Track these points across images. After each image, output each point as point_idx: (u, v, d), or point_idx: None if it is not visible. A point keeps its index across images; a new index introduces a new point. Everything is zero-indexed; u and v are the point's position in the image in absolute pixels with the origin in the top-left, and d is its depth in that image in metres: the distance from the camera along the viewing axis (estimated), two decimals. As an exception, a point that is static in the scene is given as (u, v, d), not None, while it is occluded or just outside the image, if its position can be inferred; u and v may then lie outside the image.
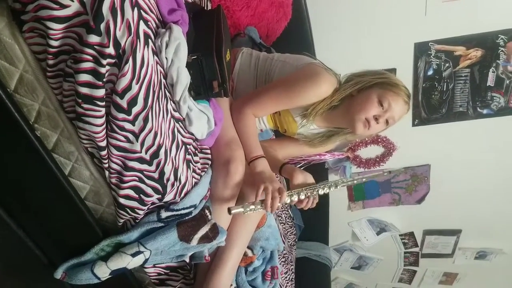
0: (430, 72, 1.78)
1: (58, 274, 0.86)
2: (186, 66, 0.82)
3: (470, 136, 1.91)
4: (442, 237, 2.30)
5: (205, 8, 1.22)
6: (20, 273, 0.95)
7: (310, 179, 1.13)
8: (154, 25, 0.77)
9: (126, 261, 0.86)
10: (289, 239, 1.92)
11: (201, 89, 0.90)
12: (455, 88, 1.82)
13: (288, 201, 1.05)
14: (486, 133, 1.90)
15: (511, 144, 1.92)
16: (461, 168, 2.01)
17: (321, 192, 1.10)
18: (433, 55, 1.74)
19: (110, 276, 0.86)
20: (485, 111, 1.86)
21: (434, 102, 1.85)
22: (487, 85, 1.80)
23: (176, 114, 0.87)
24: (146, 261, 0.90)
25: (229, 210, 0.95)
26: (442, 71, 1.78)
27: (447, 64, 1.76)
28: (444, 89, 1.82)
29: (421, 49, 1.73)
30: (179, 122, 0.90)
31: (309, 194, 1.08)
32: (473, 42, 1.71)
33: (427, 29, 1.68)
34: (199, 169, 1.02)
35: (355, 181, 1.25)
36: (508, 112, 1.85)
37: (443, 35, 1.70)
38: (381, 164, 2.02)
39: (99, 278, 0.85)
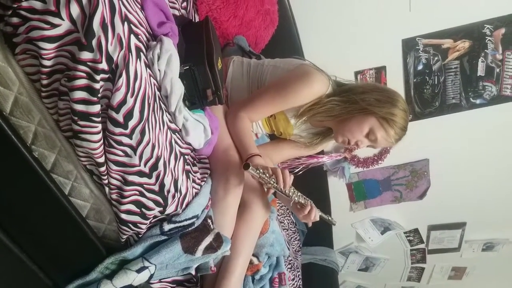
0: (420, 67, 1.81)
1: (64, 296, 0.84)
2: (179, 77, 0.83)
3: (466, 127, 1.93)
4: (447, 231, 2.29)
5: (193, 20, 1.24)
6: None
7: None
8: (145, 38, 0.78)
9: (132, 278, 0.85)
10: (294, 245, 1.91)
11: (195, 99, 0.91)
12: (446, 80, 1.84)
13: (290, 192, 1.07)
14: (482, 123, 1.91)
15: (507, 131, 1.94)
16: (460, 159, 2.02)
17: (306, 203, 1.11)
18: (421, 49, 1.76)
19: (116, 293, 0.85)
20: (478, 101, 1.88)
21: (426, 96, 1.87)
22: (478, 75, 1.82)
23: (173, 125, 0.88)
24: (151, 276, 0.89)
25: (247, 165, 0.96)
26: (431, 65, 1.80)
27: (436, 58, 1.79)
28: (436, 83, 1.84)
29: (408, 45, 1.76)
30: (176, 133, 0.90)
31: (300, 200, 1.09)
32: (459, 34, 1.73)
33: (413, 24, 1.71)
34: (198, 179, 1.02)
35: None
36: (501, 100, 1.87)
37: (429, 30, 1.72)
38: (379, 162, 2.03)
39: (105, 297, 0.84)
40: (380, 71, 1.80)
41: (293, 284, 1.63)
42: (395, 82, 1.80)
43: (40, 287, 0.87)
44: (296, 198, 1.07)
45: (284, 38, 1.60)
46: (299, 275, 1.77)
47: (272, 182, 1.01)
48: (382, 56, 1.77)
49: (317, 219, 1.12)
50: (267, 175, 1.01)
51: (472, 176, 2.07)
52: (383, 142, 1.14)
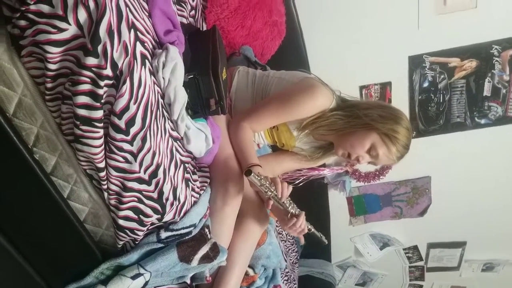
0: (425, 84, 1.80)
1: (57, 299, 0.84)
2: (183, 85, 0.83)
3: (470, 146, 1.92)
4: (447, 249, 2.27)
5: (201, 29, 1.25)
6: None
7: None
8: (151, 46, 0.78)
9: (126, 284, 0.84)
10: (291, 257, 1.89)
11: (198, 108, 0.91)
12: (451, 99, 1.83)
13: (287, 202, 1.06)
14: (486, 143, 1.91)
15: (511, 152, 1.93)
16: (462, 178, 2.01)
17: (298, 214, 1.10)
18: (427, 67, 1.76)
19: (110, 300, 0.84)
20: (483, 121, 1.87)
21: (431, 114, 1.86)
22: (484, 95, 1.82)
23: (174, 133, 0.88)
24: (146, 283, 0.88)
25: (249, 171, 0.97)
26: (437, 83, 1.80)
27: (442, 76, 1.79)
28: (441, 101, 1.83)
29: (415, 62, 1.76)
30: (177, 141, 0.90)
31: (292, 210, 1.08)
32: (467, 53, 1.74)
33: (421, 42, 1.71)
34: (198, 187, 1.01)
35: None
36: (506, 121, 1.87)
37: (436, 48, 1.73)
38: (380, 177, 2.02)
39: (99, 303, 0.83)
40: (385, 87, 1.80)
41: (289, 297, 1.61)
42: (400, 98, 1.80)
43: (34, 289, 0.86)
44: (292, 211, 1.07)
45: (291, 50, 1.61)
46: (295, 287, 1.75)
47: (272, 191, 1.01)
48: (388, 72, 1.78)
49: (305, 230, 1.10)
50: (267, 183, 1.01)
51: (474, 196, 2.06)
52: (384, 159, 1.13)
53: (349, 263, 2.35)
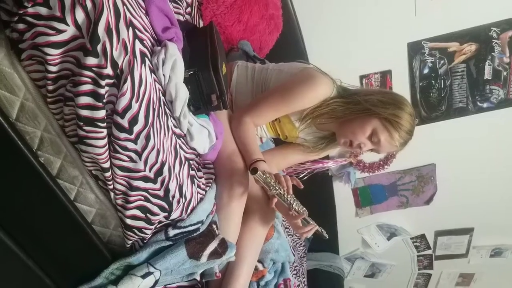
0: (425, 71, 1.79)
1: (69, 301, 0.84)
2: (183, 82, 0.83)
3: (473, 131, 1.91)
4: (454, 237, 2.26)
5: (198, 25, 1.24)
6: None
7: None
8: (150, 43, 0.78)
9: (137, 284, 0.84)
10: (299, 251, 1.89)
11: (200, 104, 0.91)
12: (452, 84, 1.82)
13: (292, 200, 1.06)
14: (489, 127, 1.89)
15: (515, 135, 1.92)
16: (467, 164, 2.00)
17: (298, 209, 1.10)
18: (427, 53, 1.75)
19: (121, 299, 0.85)
20: (485, 105, 1.86)
21: (433, 100, 1.85)
22: (485, 78, 1.80)
23: (177, 130, 0.88)
24: (156, 282, 0.88)
25: (255, 169, 0.97)
26: (437, 69, 1.79)
27: (442, 61, 1.78)
28: (442, 86, 1.82)
29: (414, 49, 1.75)
30: (181, 138, 0.90)
31: (299, 209, 1.08)
32: (466, 37, 1.72)
33: (419, 28, 1.70)
34: (203, 184, 1.01)
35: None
36: (508, 104, 1.85)
37: (435, 33, 1.72)
38: (385, 167, 2.01)
39: (110, 303, 0.83)
40: (385, 75, 1.79)
41: (299, 291, 1.62)
42: (401, 86, 1.79)
43: (46, 292, 0.86)
44: (296, 207, 1.07)
45: (289, 42, 1.60)
46: (304, 281, 1.75)
47: (278, 188, 1.01)
48: (388, 60, 1.77)
49: (310, 235, 1.10)
50: (272, 181, 1.01)
51: (480, 180, 2.05)
52: (386, 146, 1.11)
53: (357, 255, 2.35)
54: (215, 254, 0.93)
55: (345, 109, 1.12)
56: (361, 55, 1.74)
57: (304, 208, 1.10)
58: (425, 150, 1.96)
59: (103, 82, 0.65)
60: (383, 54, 1.75)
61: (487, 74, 1.80)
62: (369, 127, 1.09)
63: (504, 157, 1.98)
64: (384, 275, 2.43)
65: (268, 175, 1.00)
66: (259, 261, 1.16)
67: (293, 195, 1.05)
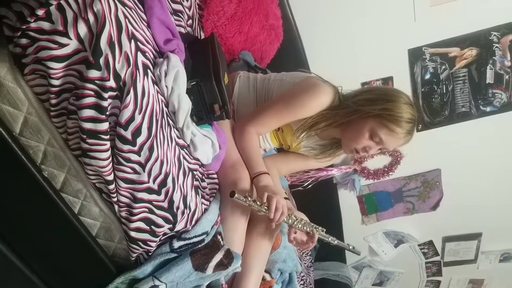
0: (427, 76, 1.80)
1: (74, 317, 0.83)
2: (186, 93, 0.83)
3: (477, 135, 1.90)
4: (462, 242, 2.24)
5: (199, 37, 1.25)
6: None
7: (304, 217, 1.15)
8: (152, 55, 0.78)
9: (142, 297, 0.83)
10: (306, 260, 1.87)
11: (203, 114, 0.91)
12: (454, 89, 1.82)
13: (289, 221, 1.06)
14: (493, 130, 1.89)
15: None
16: (472, 168, 1.99)
17: (313, 231, 1.11)
18: (428, 59, 1.76)
19: (126, 314, 0.83)
20: (488, 109, 1.86)
21: (435, 106, 1.85)
22: (487, 82, 1.80)
23: (181, 141, 0.87)
24: (162, 295, 0.87)
25: (232, 193, 0.94)
26: (439, 74, 1.79)
27: (443, 66, 1.78)
28: (444, 91, 1.82)
29: (415, 55, 1.75)
30: (184, 149, 0.89)
31: (304, 227, 1.09)
32: (466, 42, 1.73)
33: (419, 34, 1.71)
34: (207, 194, 1.01)
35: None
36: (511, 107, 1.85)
37: (435, 39, 1.72)
38: (390, 173, 2.00)
39: (116, 318, 0.82)
40: (387, 82, 1.80)
41: (306, 301, 1.59)
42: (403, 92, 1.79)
43: (50, 309, 0.85)
44: (299, 226, 1.07)
45: (290, 52, 1.61)
46: (312, 291, 1.72)
47: (264, 211, 0.98)
48: (389, 67, 1.77)
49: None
50: (258, 203, 0.97)
51: (486, 184, 2.03)
52: (391, 141, 1.08)
53: (364, 263, 2.31)
54: (221, 266, 0.92)
55: (334, 114, 1.11)
56: (362, 62, 1.75)
57: (314, 226, 1.09)
58: (430, 155, 1.95)
59: (106, 95, 0.65)
60: (384, 61, 1.75)
61: (489, 78, 1.79)
62: (365, 128, 1.08)
63: (508, 161, 1.96)
64: (393, 283, 2.39)
65: (250, 198, 0.96)
66: (266, 271, 1.15)
67: (293, 216, 1.05)
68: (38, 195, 0.74)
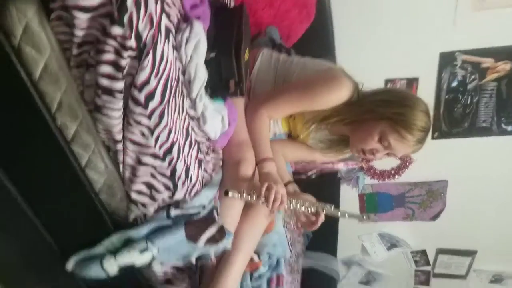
0: (454, 84, 1.73)
1: (69, 265, 0.86)
2: (204, 63, 0.82)
3: (492, 153, 1.85)
4: (456, 257, 2.23)
5: (228, 5, 1.22)
6: (33, 262, 0.95)
7: (310, 198, 1.13)
8: (176, 20, 0.77)
9: (134, 257, 0.85)
10: (296, 248, 1.89)
11: (217, 88, 0.90)
12: (479, 102, 1.76)
13: (291, 207, 1.05)
14: (510, 151, 1.83)
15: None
16: (481, 186, 1.95)
17: (319, 210, 1.09)
18: (458, 66, 1.69)
19: (118, 271, 0.86)
20: (510, 128, 1.80)
21: (456, 115, 1.80)
22: (514, 101, 1.74)
23: (191, 112, 0.87)
24: (153, 258, 0.89)
25: (226, 191, 0.92)
26: (467, 83, 1.73)
27: (473, 76, 1.71)
28: (468, 103, 1.76)
29: (446, 59, 1.68)
30: (194, 120, 0.89)
31: (309, 209, 1.07)
32: (503, 54, 1.65)
33: (454, 38, 1.63)
34: (210, 169, 1.01)
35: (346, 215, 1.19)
36: (534, 131, 1.79)
37: (470, 46, 1.65)
38: (396, 176, 1.98)
39: (107, 273, 0.85)
40: (411, 83, 1.74)
41: (291, 287, 1.62)
42: (426, 96, 1.68)
43: (48, 252, 0.88)
44: (303, 209, 1.06)
45: (318, 34, 1.54)
46: (298, 279, 1.75)
47: (262, 202, 0.97)
48: (417, 67, 1.71)
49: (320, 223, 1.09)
50: (254, 197, 0.96)
51: (490, 205, 2.00)
52: (400, 147, 1.06)
53: (354, 260, 2.33)
54: (213, 240, 0.93)
55: (347, 111, 1.09)
56: (390, 58, 1.68)
57: (319, 204, 1.09)
58: (440, 165, 1.91)
59: (125, 54, 0.64)
60: (413, 61, 1.69)
61: (518, 97, 1.73)
62: (376, 130, 1.06)
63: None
64: (379, 285, 2.41)
65: (245, 194, 0.95)
66: (255, 252, 1.16)
67: (294, 201, 1.04)
68: (49, 143, 0.75)
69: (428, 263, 2.27)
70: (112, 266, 0.84)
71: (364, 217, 1.19)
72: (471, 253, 2.20)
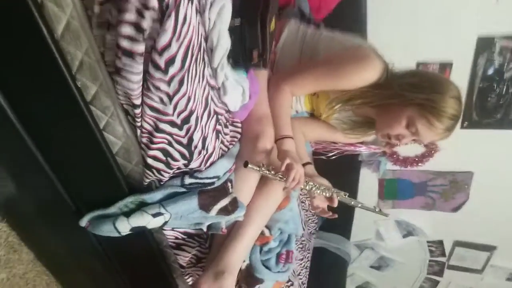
0: (490, 71, 1.62)
1: (83, 222, 0.89)
2: (227, 31, 0.79)
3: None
4: (473, 251, 2.18)
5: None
6: (49, 216, 1.00)
7: (325, 183, 1.13)
8: (201, -20, 0.74)
9: (147, 220, 0.87)
10: (310, 227, 1.90)
11: (239, 58, 0.87)
12: (516, 93, 1.65)
13: (307, 188, 1.05)
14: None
15: None
16: (507, 181, 1.86)
17: (333, 195, 1.10)
18: (496, 52, 1.57)
19: (130, 232, 0.88)
20: (545, 123, 1.68)
21: (489, 106, 1.69)
22: (554, 95, 1.62)
23: (212, 81, 0.86)
24: (165, 223, 0.91)
25: (246, 163, 0.93)
26: (504, 72, 1.61)
27: (511, 65, 1.59)
28: (503, 93, 1.65)
29: (484, 44, 1.56)
30: (214, 90, 0.88)
31: (323, 193, 1.07)
32: (547, 43, 1.53)
33: (495, 20, 1.50)
34: (227, 141, 1.00)
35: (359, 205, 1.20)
36: None
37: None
38: (419, 164, 1.91)
39: (119, 232, 0.87)
40: (444, 68, 1.64)
41: (301, 264, 1.64)
42: (458, 82, 1.62)
43: (64, 208, 0.92)
44: (318, 192, 1.06)
45: (350, 8, 1.45)
46: (308, 256, 1.77)
47: (279, 179, 0.97)
48: (451, 51, 1.60)
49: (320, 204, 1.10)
50: (272, 172, 0.96)
51: (516, 201, 1.91)
52: (428, 134, 1.02)
53: (367, 244, 2.32)
54: (225, 211, 0.94)
55: (374, 94, 1.04)
56: (424, 40, 1.58)
57: (332, 190, 1.08)
58: (466, 156, 1.83)
59: (147, 14, 0.63)
60: (448, 44, 1.58)
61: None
62: (404, 115, 1.02)
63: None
64: (391, 271, 2.41)
65: (264, 168, 0.95)
66: (267, 227, 1.17)
67: (310, 183, 1.04)
68: (68, 103, 0.76)
69: (444, 254, 2.24)
70: (124, 226, 0.87)
71: (377, 210, 1.19)
72: (490, 248, 2.14)
